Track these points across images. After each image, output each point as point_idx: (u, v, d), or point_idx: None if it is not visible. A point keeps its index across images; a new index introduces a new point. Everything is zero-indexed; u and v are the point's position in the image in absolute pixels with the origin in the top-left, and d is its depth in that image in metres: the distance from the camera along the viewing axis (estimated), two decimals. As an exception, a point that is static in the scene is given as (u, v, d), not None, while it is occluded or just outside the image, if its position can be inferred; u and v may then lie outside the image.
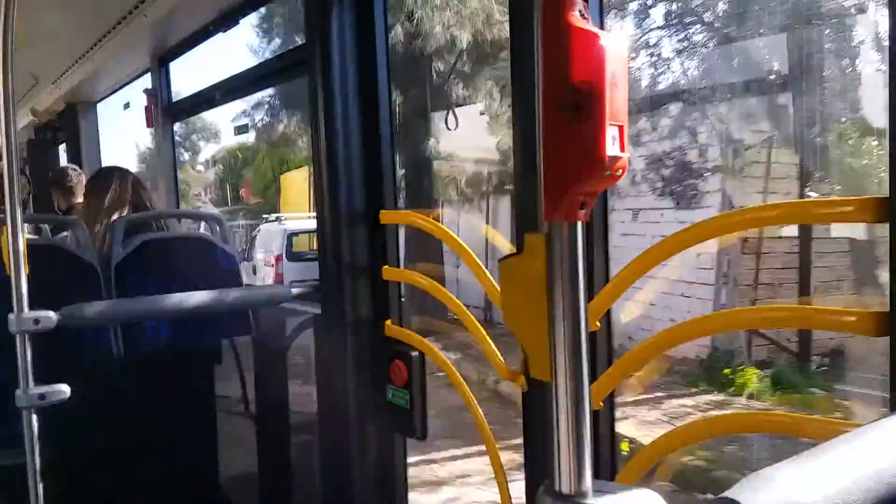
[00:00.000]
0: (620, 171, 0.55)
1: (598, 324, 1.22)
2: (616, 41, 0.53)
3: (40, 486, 1.45)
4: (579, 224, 0.59)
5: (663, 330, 1.14)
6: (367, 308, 1.86)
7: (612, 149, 0.54)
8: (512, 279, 0.67)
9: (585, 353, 0.61)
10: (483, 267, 1.53)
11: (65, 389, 1.47)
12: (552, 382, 0.60)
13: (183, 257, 2.49)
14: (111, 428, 1.89)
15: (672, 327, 1.16)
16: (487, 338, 1.56)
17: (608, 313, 1.27)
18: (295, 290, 1.91)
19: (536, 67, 0.55)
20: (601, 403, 1.23)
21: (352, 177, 1.84)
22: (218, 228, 2.66)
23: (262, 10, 11.61)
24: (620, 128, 0.54)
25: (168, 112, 3.46)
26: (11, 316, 1.42)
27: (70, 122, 4.64)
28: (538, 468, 1.37)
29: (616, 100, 0.53)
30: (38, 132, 5.31)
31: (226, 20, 2.76)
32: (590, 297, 1.15)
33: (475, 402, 1.57)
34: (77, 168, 3.81)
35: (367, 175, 1.85)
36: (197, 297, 1.89)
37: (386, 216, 1.82)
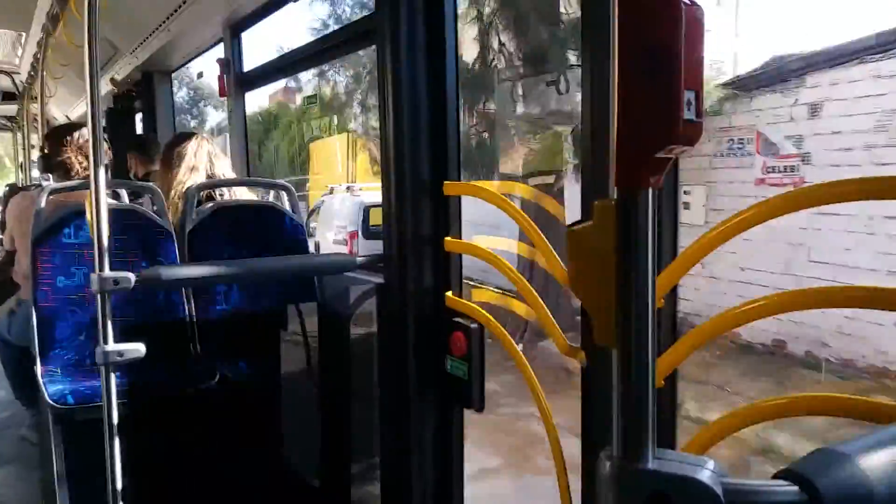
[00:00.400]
0: (695, 136, 0.54)
1: (661, 300, 1.20)
2: (694, 4, 0.51)
3: (116, 440, 1.53)
4: (650, 191, 0.58)
5: (732, 307, 1.11)
6: (429, 279, 1.87)
7: (687, 113, 0.52)
8: (580, 247, 0.66)
9: (652, 322, 0.60)
10: (548, 243, 1.51)
11: (140, 348, 1.54)
12: (616, 350, 0.60)
13: (253, 224, 2.57)
14: (181, 386, 1.98)
15: (743, 304, 1.12)
16: (548, 312, 1.55)
17: (674, 290, 1.24)
18: (359, 259, 1.94)
19: (612, 29, 0.53)
20: (663, 382, 1.21)
21: (417, 147, 1.84)
22: (286, 197, 2.73)
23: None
24: (697, 92, 0.52)
25: (240, 81, 3.53)
26: (93, 275, 1.49)
27: (146, 91, 4.80)
28: (596, 439, 1.36)
29: (693, 64, 0.51)
30: (116, 101, 5.52)
31: (297, -10, 2.79)
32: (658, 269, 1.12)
33: (531, 370, 1.57)
34: (155, 136, 3.96)
35: (432, 146, 1.85)
36: (265, 263, 1.94)
37: (449, 187, 1.82)
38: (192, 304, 2.33)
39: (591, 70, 1.29)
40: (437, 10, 1.82)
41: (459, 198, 1.88)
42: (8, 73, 6.28)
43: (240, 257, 2.29)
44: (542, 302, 1.58)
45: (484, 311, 1.77)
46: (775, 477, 0.53)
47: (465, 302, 1.82)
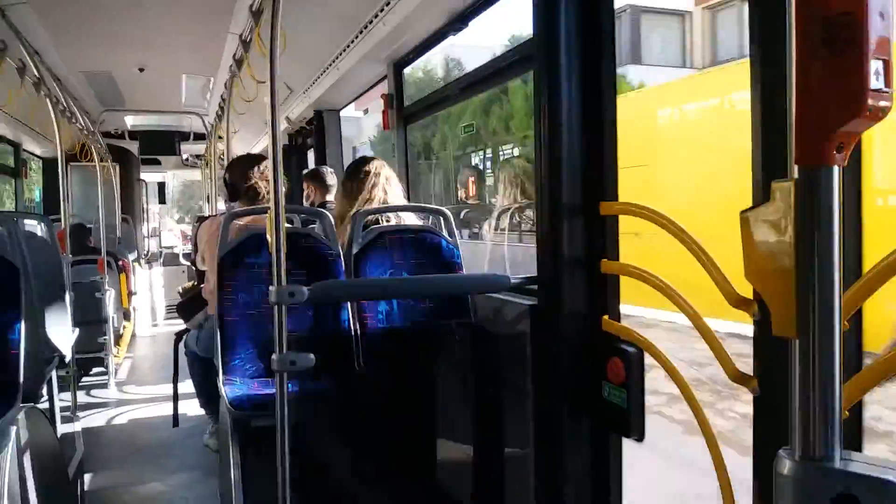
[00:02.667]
0: (885, 107, 0.49)
1: (846, 323, 1.09)
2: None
3: (287, 445, 1.63)
4: (836, 168, 0.53)
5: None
6: (584, 301, 1.84)
7: (875, 83, 0.48)
8: (756, 231, 0.62)
9: (838, 309, 0.55)
10: (716, 263, 1.44)
11: (311, 358, 1.64)
12: (797, 341, 0.56)
13: (412, 247, 2.68)
14: (346, 396, 2.08)
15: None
16: (716, 337, 1.47)
17: (859, 312, 1.13)
18: (514, 280, 1.95)
19: (786, 1, 0.51)
20: (847, 412, 1.10)
21: (573, 168, 1.83)
22: (443, 222, 2.82)
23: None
24: (886, 62, 0.48)
25: (402, 114, 3.71)
26: (272, 288, 1.62)
27: (317, 128, 5.18)
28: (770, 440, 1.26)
29: (880, 31, 0.47)
30: (291, 138, 5.99)
31: (455, 23, 2.90)
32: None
33: (696, 398, 1.49)
34: (332, 169, 4.27)
35: (587, 167, 1.83)
36: (423, 281, 2.01)
37: (606, 208, 1.79)
38: (357, 321, 2.47)
39: (760, 42, 1.22)
40: (595, 33, 1.82)
41: (617, 219, 1.84)
42: (198, 115, 7.04)
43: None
44: (709, 327, 1.50)
45: (644, 336, 1.71)
46: None
47: (624, 326, 1.77)
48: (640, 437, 1.71)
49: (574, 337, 1.84)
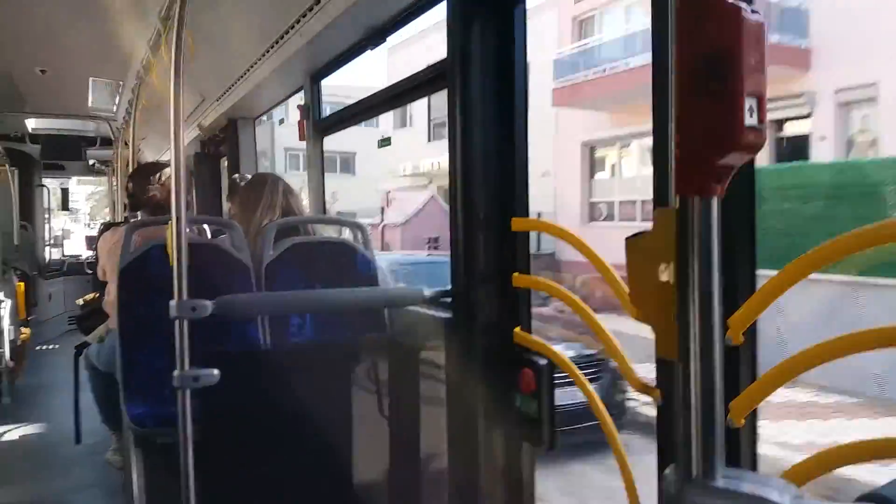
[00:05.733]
0: (759, 142, 0.52)
1: (741, 336, 1.15)
2: (751, 10, 0.50)
3: (191, 462, 1.58)
4: (714, 199, 0.56)
5: (822, 342, 1.05)
6: (497, 314, 1.87)
7: (749, 120, 0.51)
8: (640, 256, 0.65)
9: (719, 333, 0.58)
10: (615, 275, 1.49)
11: (215, 373, 1.59)
12: (678, 363, 0.58)
13: (327, 260, 2.64)
14: (254, 412, 2.02)
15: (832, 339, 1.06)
16: (619, 349, 1.52)
17: (753, 326, 1.19)
18: (427, 293, 1.96)
19: (671, 38, 0.54)
20: (742, 421, 1.15)
21: (486, 184, 1.86)
22: (360, 234, 2.80)
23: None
24: (759, 98, 0.52)
25: (318, 127, 3.67)
26: (172, 302, 1.57)
27: (231, 136, 5.05)
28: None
29: (754, 70, 0.50)
30: (203, 146, 5.82)
31: (374, 37, 2.90)
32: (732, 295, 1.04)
33: (602, 405, 1.54)
34: (247, 176, 4.15)
35: (500, 183, 1.87)
36: (336, 294, 1.99)
37: (517, 223, 1.83)
38: (267, 335, 2.41)
39: (656, 78, 1.28)
40: (507, 53, 1.86)
41: (528, 234, 1.89)
42: (106, 120, 6.74)
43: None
44: (613, 339, 1.55)
45: (552, 348, 1.75)
46: (859, 500, 0.51)
47: (534, 338, 1.80)
48: (550, 447, 1.75)
49: (487, 349, 1.86)
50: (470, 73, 1.85)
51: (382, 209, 21.19)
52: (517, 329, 1.82)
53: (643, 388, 1.41)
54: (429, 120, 22.76)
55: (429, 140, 22.47)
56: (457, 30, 1.88)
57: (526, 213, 1.85)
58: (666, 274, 0.60)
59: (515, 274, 1.83)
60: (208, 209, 5.00)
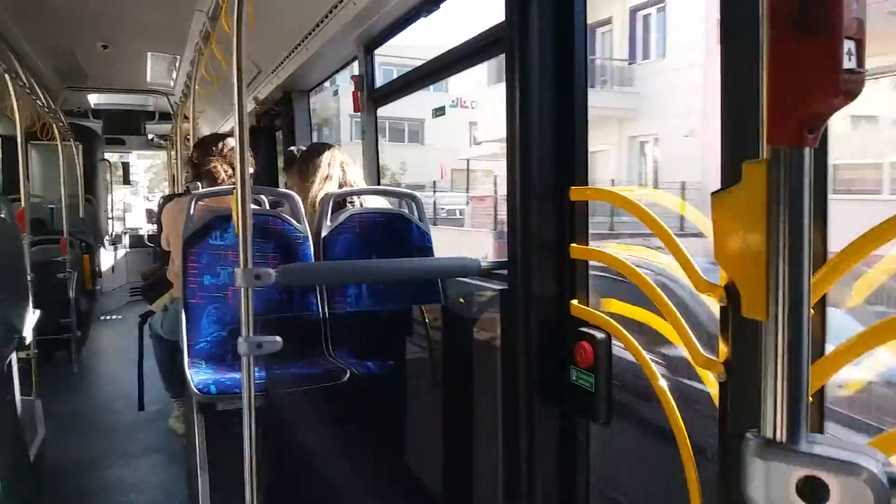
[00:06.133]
0: (857, 88, 0.49)
1: (812, 309, 1.10)
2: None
3: (253, 428, 1.62)
4: (807, 150, 0.53)
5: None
6: (553, 286, 1.84)
7: (848, 63, 0.47)
8: (726, 212, 0.62)
9: (807, 292, 0.55)
10: (685, 250, 1.45)
11: (278, 340, 1.62)
12: (766, 323, 0.56)
13: (382, 231, 2.66)
14: (315, 379, 2.06)
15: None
16: (683, 322, 1.49)
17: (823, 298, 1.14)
18: (483, 264, 1.95)
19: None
20: (811, 398, 1.11)
21: (543, 153, 1.83)
22: (414, 206, 2.80)
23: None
24: (858, 41, 0.48)
25: (372, 97, 3.67)
26: (237, 270, 1.59)
27: (286, 109, 5.09)
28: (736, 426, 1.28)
29: (854, 11, 0.47)
30: (259, 119, 5.90)
31: (427, 4, 2.86)
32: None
33: (663, 383, 1.51)
34: (302, 147, 4.20)
35: (558, 152, 1.83)
36: (393, 264, 2.00)
37: (576, 192, 1.79)
38: (325, 304, 2.45)
39: (729, 19, 1.22)
40: (567, 16, 1.81)
41: (587, 203, 1.85)
42: (164, 94, 6.89)
43: (369, 261, 2.38)
44: (676, 312, 1.51)
45: (612, 321, 1.72)
46: None
47: (592, 311, 1.77)
48: (606, 422, 1.73)
49: (543, 321, 1.84)
50: (528, 38, 1.81)
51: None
52: (574, 301, 1.80)
53: (705, 364, 1.38)
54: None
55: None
56: (514, -10, 1.83)
57: (585, 182, 1.81)
58: (755, 231, 0.57)
59: (573, 245, 1.80)
60: (265, 181, 5.08)
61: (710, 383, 1.40)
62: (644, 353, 1.60)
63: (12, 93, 4.42)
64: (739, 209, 0.60)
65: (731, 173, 1.20)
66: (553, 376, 1.82)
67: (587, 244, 1.82)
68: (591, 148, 1.84)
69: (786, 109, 0.51)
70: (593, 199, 1.85)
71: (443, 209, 17.96)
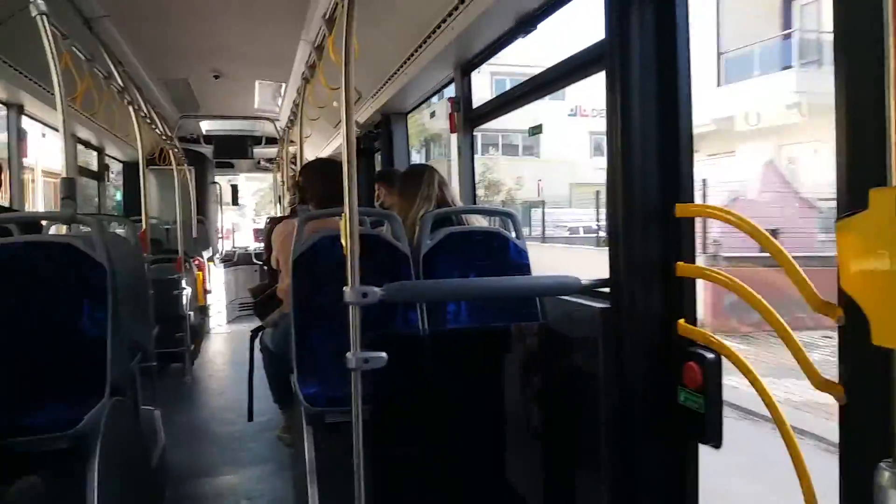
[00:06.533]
0: None
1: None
2: None
3: (361, 440, 1.67)
4: None
5: None
6: (659, 305, 1.80)
7: None
8: (852, 238, 0.60)
9: None
10: (798, 267, 1.40)
11: (384, 357, 1.67)
12: None
13: (480, 249, 2.70)
14: (416, 393, 2.11)
15: None
16: (799, 343, 1.43)
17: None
18: (584, 282, 1.94)
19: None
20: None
21: (647, 170, 1.80)
22: (511, 223, 2.83)
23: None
24: None
25: (468, 118, 3.73)
26: (346, 289, 1.66)
27: (385, 131, 5.25)
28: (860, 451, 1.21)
29: None
30: (358, 141, 6.10)
31: (525, 25, 2.89)
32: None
33: (779, 408, 1.45)
34: (399, 171, 4.33)
35: (662, 168, 1.80)
36: (494, 283, 2.02)
37: (681, 209, 1.76)
38: (426, 319, 2.51)
39: (846, 30, 1.17)
40: (670, 29, 1.79)
41: (692, 221, 1.81)
42: (270, 119, 7.24)
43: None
44: (793, 334, 1.46)
45: (722, 342, 1.67)
46: None
47: (701, 331, 1.73)
48: (717, 444, 1.67)
49: (648, 341, 1.81)
50: (630, 54, 1.80)
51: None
52: (681, 321, 1.76)
53: (824, 386, 1.32)
54: (718, 54, 15.78)
55: (718, 83, 15.65)
56: (615, 8, 1.82)
57: (691, 199, 1.77)
58: (886, 257, 0.56)
59: (679, 263, 1.76)
60: (364, 202, 5.24)
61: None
62: (758, 377, 1.54)
63: (135, 123, 4.78)
64: (867, 235, 0.58)
65: (852, 198, 1.16)
66: (659, 397, 1.78)
67: (694, 262, 1.78)
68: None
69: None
70: (700, 216, 1.81)
71: (563, 225, 16.98)
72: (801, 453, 1.44)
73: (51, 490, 2.05)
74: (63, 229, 3.25)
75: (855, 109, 1.14)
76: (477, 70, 3.65)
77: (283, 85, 5.80)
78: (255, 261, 9.25)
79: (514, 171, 23.06)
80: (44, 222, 3.52)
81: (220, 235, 10.28)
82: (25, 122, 4.74)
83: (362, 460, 1.64)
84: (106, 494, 2.14)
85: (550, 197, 17.77)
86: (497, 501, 2.23)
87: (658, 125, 1.80)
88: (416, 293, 2.02)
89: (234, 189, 10.81)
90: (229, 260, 9.63)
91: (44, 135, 5.99)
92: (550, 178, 19.59)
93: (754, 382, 1.55)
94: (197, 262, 7.04)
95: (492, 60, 3.39)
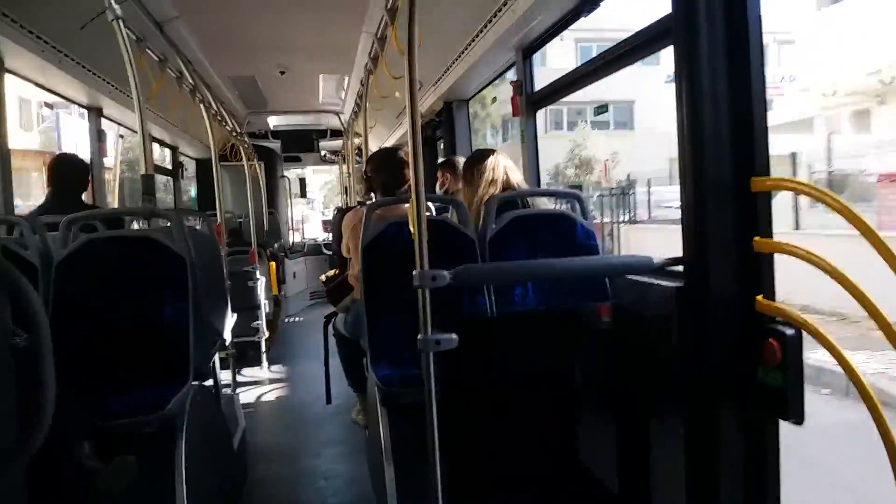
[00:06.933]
0: None
1: None
2: None
3: (435, 419, 1.69)
4: None
5: None
6: (736, 282, 1.76)
7: None
8: None
9: None
10: (886, 244, 1.34)
11: (454, 338, 1.69)
12: None
13: (547, 232, 2.68)
14: (486, 374, 2.13)
15: None
16: (888, 318, 1.37)
17: None
18: (657, 261, 1.90)
19: None
20: None
21: (719, 143, 1.76)
22: (578, 205, 2.80)
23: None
24: None
25: (531, 101, 3.70)
26: (415, 272, 1.68)
27: (447, 118, 5.27)
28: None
29: None
30: (422, 129, 6.13)
31: (587, 3, 2.84)
32: None
33: (865, 381, 1.40)
34: (464, 158, 4.35)
35: (735, 141, 1.75)
36: (564, 263, 2.01)
37: (757, 183, 1.70)
38: (493, 302, 2.52)
39: None
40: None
41: (770, 195, 1.75)
42: (335, 112, 7.37)
43: (535, 262, 2.41)
44: (880, 308, 1.40)
45: (804, 317, 1.62)
46: None
47: (781, 306, 1.68)
48: (799, 420, 1.63)
49: (724, 319, 1.77)
50: (698, 25, 1.75)
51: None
52: (759, 297, 1.71)
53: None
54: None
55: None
56: (681, -22, 1.78)
57: (767, 172, 1.72)
58: None
59: (756, 238, 1.71)
60: (428, 188, 5.28)
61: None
62: (844, 354, 1.49)
63: (207, 121, 4.95)
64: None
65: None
66: (738, 374, 1.74)
67: (771, 237, 1.73)
68: None
69: None
70: (778, 189, 1.75)
71: (667, 206, 14.55)
72: (890, 429, 1.39)
73: (144, 469, 2.17)
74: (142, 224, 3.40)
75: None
76: (560, 37, 3.52)
77: (347, 77, 5.89)
78: (324, 251, 9.46)
79: (607, 146, 21.75)
80: (127, 217, 3.70)
81: (290, 227, 10.55)
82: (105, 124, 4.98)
83: (436, 440, 1.67)
84: (193, 473, 2.25)
85: (647, 174, 15.73)
86: (571, 483, 2.22)
87: (729, 97, 1.75)
88: (484, 275, 2.03)
89: (303, 182, 11.06)
90: (300, 251, 9.88)
91: (121, 136, 6.26)
92: (646, 154, 17.55)
93: (838, 357, 1.51)
94: (270, 253, 7.25)
95: (574, 26, 3.26)
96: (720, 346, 1.77)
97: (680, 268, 1.92)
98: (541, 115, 3.78)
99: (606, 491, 2.17)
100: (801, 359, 1.61)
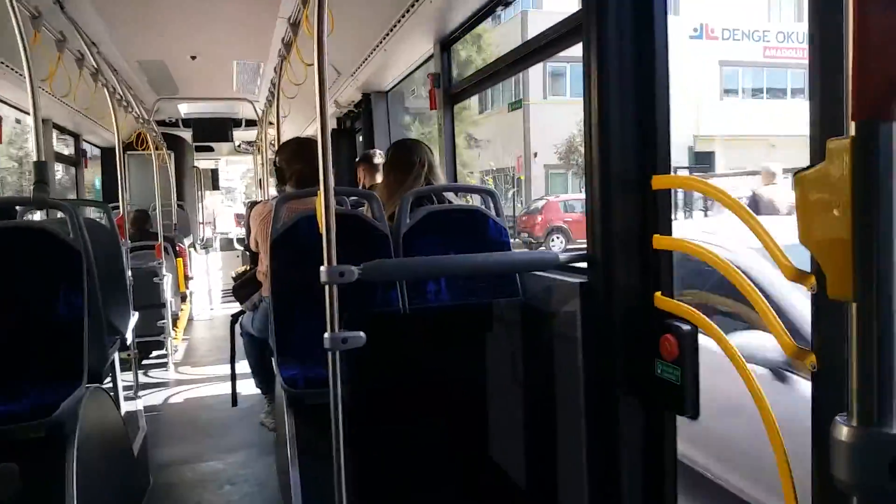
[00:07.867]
0: None
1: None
2: None
3: (341, 420, 1.66)
4: (895, 125, 0.50)
5: None
6: (636, 278, 1.80)
7: None
8: (810, 192, 0.59)
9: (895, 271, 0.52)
10: (772, 237, 1.39)
11: (362, 336, 1.65)
12: (853, 305, 0.53)
13: (460, 228, 2.68)
14: (396, 372, 2.10)
15: None
16: (771, 312, 1.43)
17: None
18: (562, 257, 1.93)
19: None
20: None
21: (623, 142, 1.79)
22: (491, 201, 2.80)
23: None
24: None
25: (449, 95, 3.69)
26: (323, 268, 1.63)
27: (365, 110, 5.20)
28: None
29: None
30: (339, 121, 6.03)
31: (504, -3, 2.85)
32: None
33: (755, 380, 1.45)
34: (380, 151, 4.29)
35: (639, 140, 1.79)
36: (472, 259, 2.01)
37: (658, 181, 1.75)
38: (405, 298, 2.49)
39: None
40: (646, 1, 1.76)
41: (670, 192, 1.80)
42: (249, 101, 7.15)
43: (447, 257, 2.40)
44: (765, 302, 1.46)
45: (698, 313, 1.67)
46: None
47: (677, 303, 1.73)
48: (694, 415, 1.68)
49: (625, 314, 1.81)
50: (606, 25, 1.78)
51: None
52: (658, 294, 1.75)
53: (797, 353, 1.32)
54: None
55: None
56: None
57: (667, 171, 1.76)
58: (840, 211, 0.55)
59: (656, 235, 1.75)
60: (345, 182, 5.20)
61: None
62: (732, 345, 1.54)
63: (111, 107, 4.70)
64: (823, 188, 0.57)
65: (817, 152, 1.15)
66: (637, 369, 1.78)
67: (671, 234, 1.77)
68: None
69: (873, 84, 0.49)
70: (677, 188, 1.80)
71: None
72: (778, 430, 1.44)
73: (28, 478, 2.02)
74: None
75: (823, 65, 1.13)
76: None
77: (262, 64, 5.72)
78: (236, 246, 9.19)
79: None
80: (18, 208, 3.46)
81: (200, 221, 10.19)
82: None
83: (341, 441, 1.63)
84: (87, 481, 2.12)
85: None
86: (480, 479, 2.23)
87: (636, 96, 1.79)
88: (393, 271, 2.01)
89: (215, 173, 10.69)
90: (211, 245, 9.57)
91: (18, 121, 5.88)
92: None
93: (729, 353, 1.56)
94: (178, 248, 6.97)
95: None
96: (621, 341, 1.81)
97: (584, 264, 1.95)
98: (538, 77, 3.80)
99: (515, 487, 2.19)
100: (696, 354, 1.66)
